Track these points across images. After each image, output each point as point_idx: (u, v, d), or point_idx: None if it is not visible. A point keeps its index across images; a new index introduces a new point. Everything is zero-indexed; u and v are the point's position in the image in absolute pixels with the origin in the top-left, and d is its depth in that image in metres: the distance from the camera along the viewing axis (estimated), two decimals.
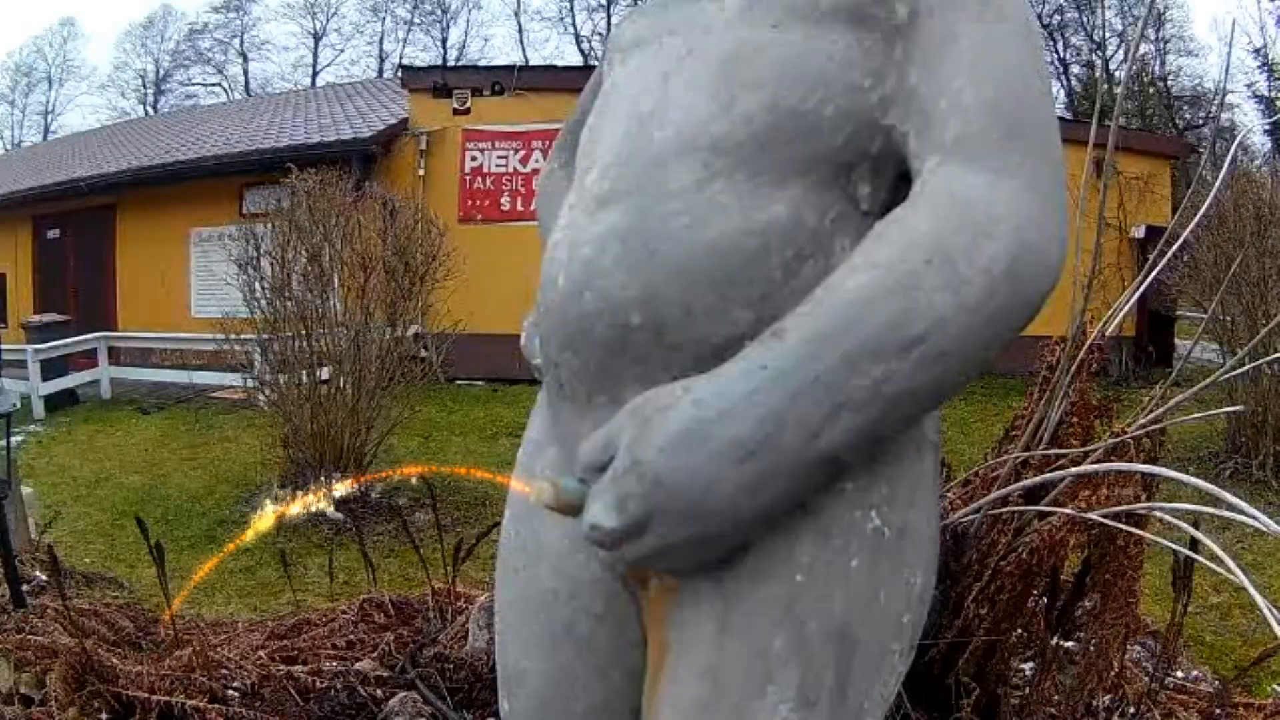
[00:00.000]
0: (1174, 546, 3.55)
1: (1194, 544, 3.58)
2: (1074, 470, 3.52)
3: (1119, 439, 3.57)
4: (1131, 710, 4.07)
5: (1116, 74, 54.53)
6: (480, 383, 19.68)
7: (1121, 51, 54.11)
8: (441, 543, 5.55)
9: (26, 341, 18.93)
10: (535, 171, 21.25)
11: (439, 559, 5.53)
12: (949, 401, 1.81)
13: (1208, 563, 3.26)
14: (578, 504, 1.67)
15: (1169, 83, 56.61)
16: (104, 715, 4.12)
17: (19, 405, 5.39)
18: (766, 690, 1.68)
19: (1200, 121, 54.68)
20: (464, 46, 69.04)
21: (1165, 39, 56.38)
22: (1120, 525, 3.38)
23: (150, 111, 66.23)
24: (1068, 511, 3.41)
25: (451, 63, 58.35)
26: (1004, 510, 3.67)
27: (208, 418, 17.22)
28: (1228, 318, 12.32)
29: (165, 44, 72.03)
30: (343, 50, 73.75)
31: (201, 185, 23.88)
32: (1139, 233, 20.54)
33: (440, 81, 22.39)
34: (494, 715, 4.11)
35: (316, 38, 71.19)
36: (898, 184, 1.76)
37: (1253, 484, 11.43)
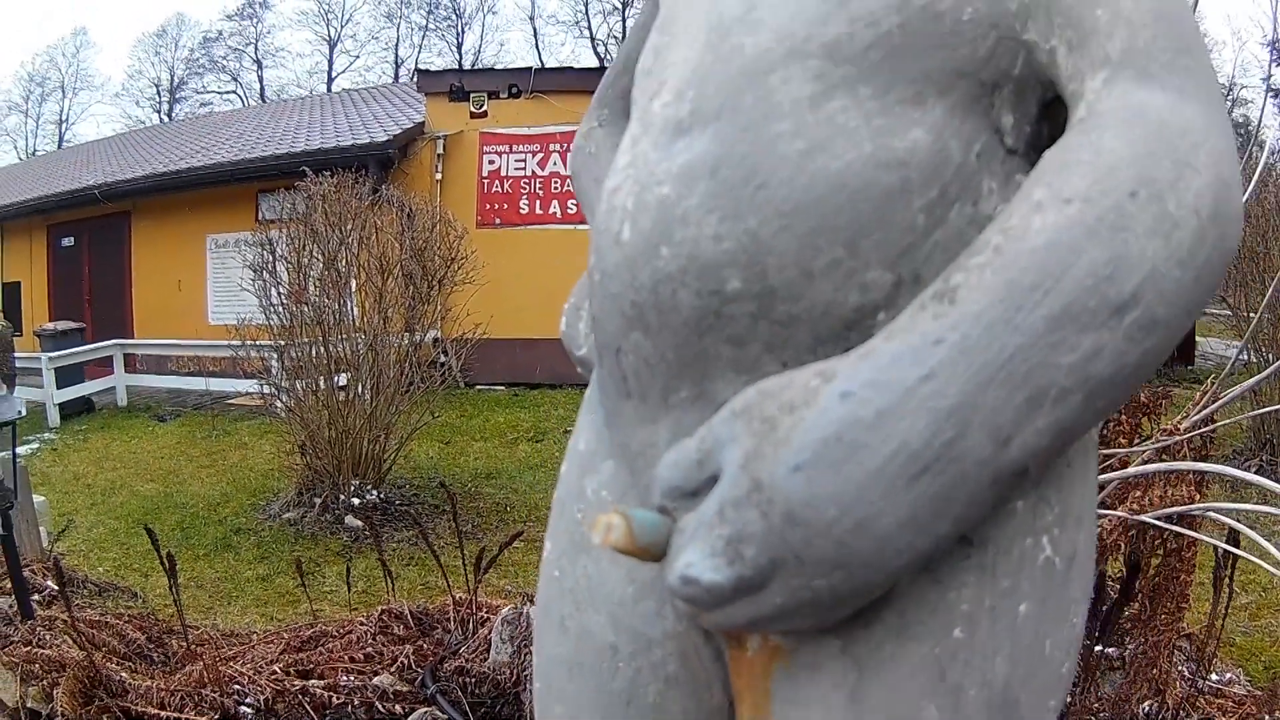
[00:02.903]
0: (1220, 544, 3.44)
1: (1234, 542, 3.47)
2: (1126, 472, 3.40)
3: (1172, 439, 3.45)
4: (1171, 715, 3.98)
5: None
6: (500, 388, 19.65)
7: None
8: (462, 551, 5.43)
9: (41, 349, 19.01)
10: (554, 175, 21.33)
11: (459, 567, 5.40)
12: None
13: (1256, 560, 3.15)
14: (659, 545, 1.19)
15: None
16: None
17: (24, 413, 5.29)
18: None
19: None
20: (479, 51, 69.68)
21: None
22: (1175, 528, 3.26)
23: (165, 119, 66.71)
24: (1120, 514, 3.29)
25: (467, 67, 58.67)
26: None
27: (225, 425, 17.25)
28: (1252, 314, 12.10)
29: (179, 52, 72.82)
30: (358, 56, 74.69)
31: (217, 191, 24.01)
32: None
33: (457, 85, 22.40)
34: None
35: (331, 44, 71.85)
36: (1040, 119, 1.34)
37: (1278, 480, 11.15)
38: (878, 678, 1.22)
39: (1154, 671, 3.59)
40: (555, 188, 21.37)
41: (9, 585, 5.43)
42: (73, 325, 20.90)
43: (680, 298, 1.29)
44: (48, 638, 4.64)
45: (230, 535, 10.44)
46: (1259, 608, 7.05)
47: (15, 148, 71.61)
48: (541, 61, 64.16)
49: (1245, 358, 12.18)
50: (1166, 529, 3.32)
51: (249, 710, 4.17)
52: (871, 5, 1.27)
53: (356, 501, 10.77)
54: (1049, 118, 1.33)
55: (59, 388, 18.36)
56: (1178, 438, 3.50)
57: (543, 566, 1.73)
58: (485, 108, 22.05)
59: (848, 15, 1.27)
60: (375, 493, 11.07)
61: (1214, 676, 4.65)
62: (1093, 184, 1.09)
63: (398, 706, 4.22)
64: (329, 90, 60.91)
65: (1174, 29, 1.21)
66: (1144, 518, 3.22)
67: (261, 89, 71.76)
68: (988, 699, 1.23)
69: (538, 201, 21.57)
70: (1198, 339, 21.04)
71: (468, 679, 4.38)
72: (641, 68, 1.58)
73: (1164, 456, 3.44)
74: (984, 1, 1.26)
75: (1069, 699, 3.79)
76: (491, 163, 21.99)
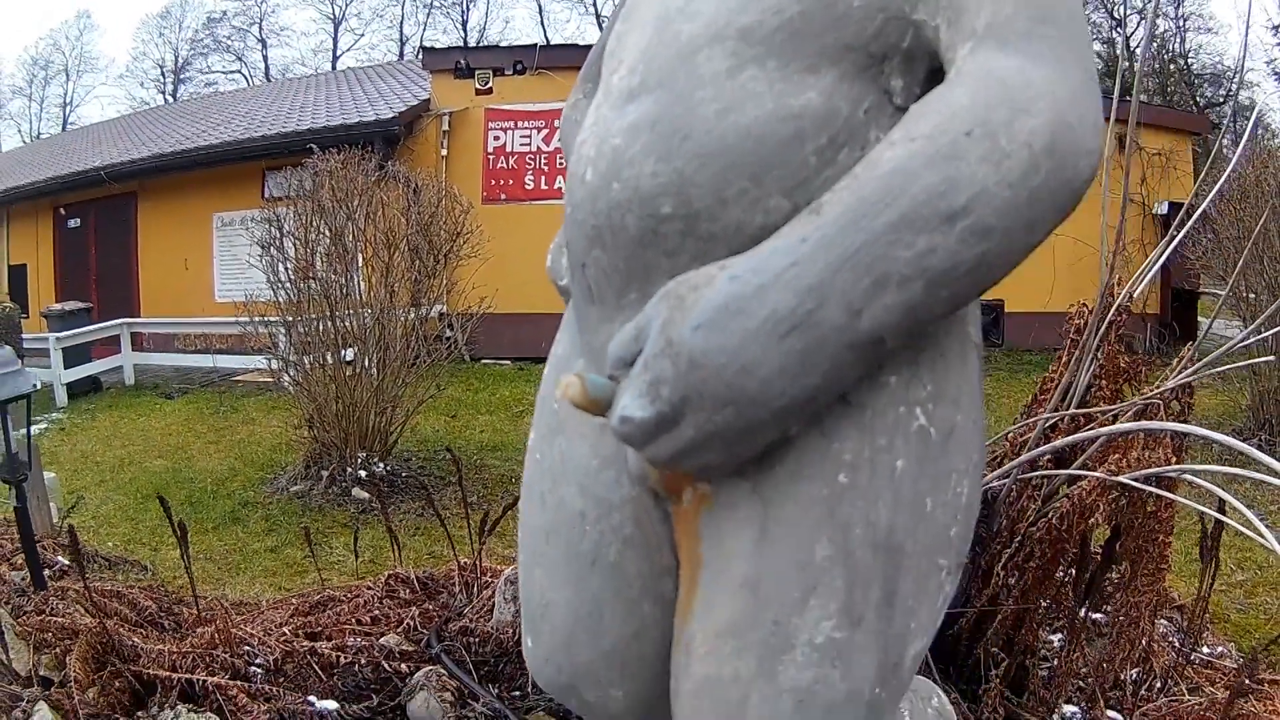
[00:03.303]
0: (1205, 510, 3.52)
1: (1222, 512, 3.55)
2: (1104, 430, 3.52)
3: (1148, 399, 3.57)
4: (1159, 684, 4.06)
5: (1137, 51, 54.83)
6: (506, 362, 19.73)
7: (1142, 28, 54.20)
8: (468, 520, 5.52)
9: (48, 330, 19.05)
10: (559, 151, 21.37)
11: (465, 536, 5.50)
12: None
13: (1239, 527, 3.22)
14: (606, 400, 1.62)
15: (1189, 60, 56.82)
16: (125, 695, 4.08)
17: (39, 386, 5.44)
18: (809, 604, 1.64)
19: (1221, 99, 54.85)
20: (484, 28, 69.39)
21: (1184, 16, 56.58)
22: (1151, 489, 3.37)
23: (169, 100, 66.56)
24: (1098, 475, 3.45)
25: (472, 44, 58.65)
26: (1033, 475, 3.70)
27: (232, 401, 17.32)
28: (1251, 294, 12.17)
29: (183, 33, 72.52)
30: (362, 35, 74.35)
31: (223, 170, 24.13)
32: (1161, 209, 20.52)
33: (462, 62, 22.51)
34: (519, 689, 4.13)
35: (336, 23, 71.64)
36: (929, 81, 1.69)
37: (1276, 460, 11.13)
38: (780, 513, 1.65)
39: (1135, 632, 3.68)
40: (560, 163, 21.38)
41: (19, 561, 5.51)
42: (80, 305, 20.95)
43: (627, 220, 1.74)
44: (60, 607, 4.69)
45: (238, 509, 10.52)
46: (1255, 585, 7.07)
47: (19, 131, 71.61)
48: (546, 38, 64.12)
49: (1244, 336, 12.24)
50: (1144, 490, 3.42)
51: (259, 670, 4.24)
52: (777, 1, 1.68)
53: (363, 474, 10.86)
54: (939, 82, 1.64)
55: (66, 367, 18.37)
56: (1152, 396, 3.59)
57: (527, 454, 2.21)
58: (490, 84, 22.23)
59: (760, 6, 1.69)
60: (382, 465, 11.17)
61: (1205, 649, 4.71)
62: (935, 126, 1.49)
63: (403, 665, 4.29)
64: (334, 69, 60.74)
65: (1036, 5, 1.58)
66: (1121, 479, 3.32)
67: (266, 68, 71.65)
68: (873, 539, 1.64)
69: (543, 177, 21.67)
70: (1200, 318, 21.06)
71: (471, 639, 4.47)
72: (608, 50, 2.05)
73: (1143, 420, 3.55)
74: None
75: (1054, 661, 3.88)
76: (497, 139, 22.21)
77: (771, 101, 1.65)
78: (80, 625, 4.36)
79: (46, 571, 5.41)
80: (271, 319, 11.52)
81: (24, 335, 18.36)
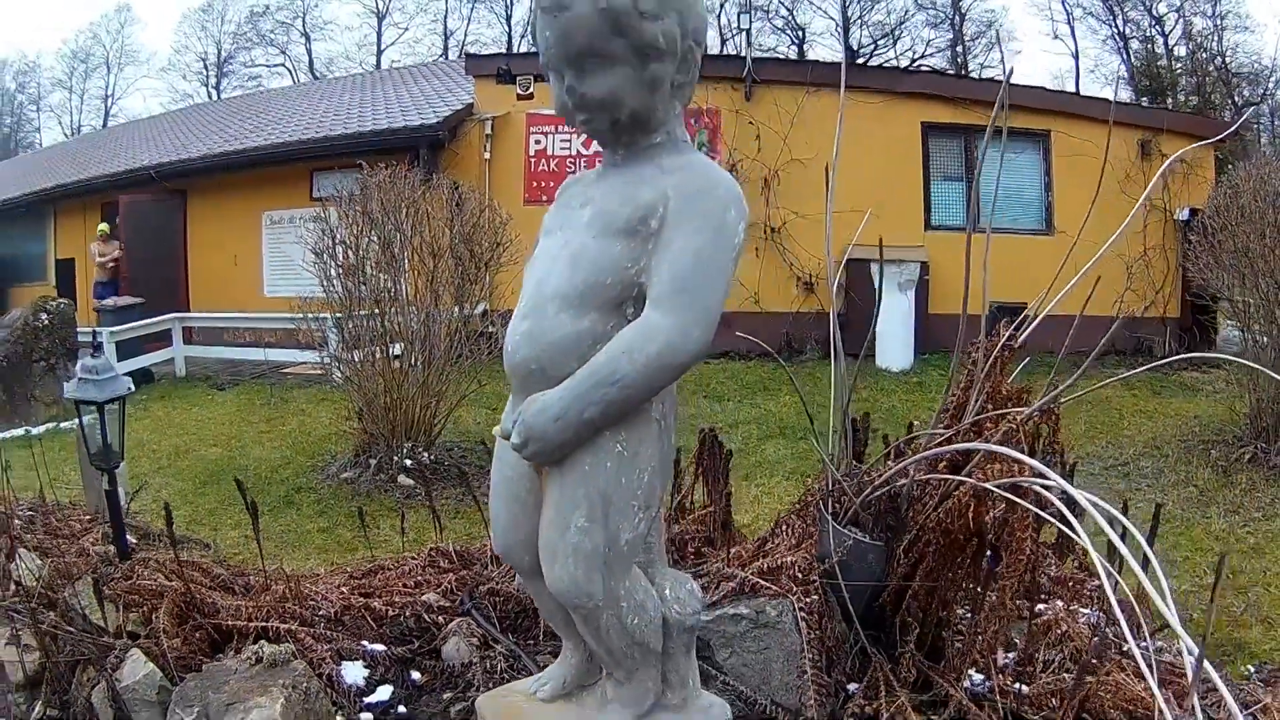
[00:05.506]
0: (1045, 515, 4.21)
1: (1156, 519, 4.17)
2: (960, 446, 4.47)
3: (1012, 425, 4.45)
4: (1073, 666, 4.72)
5: (1175, 49, 54.43)
6: None
7: (1179, 27, 53.89)
8: None
9: (99, 324, 19.59)
10: (597, 155, 21.48)
11: None
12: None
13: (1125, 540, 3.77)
14: (509, 435, 3.29)
15: (1226, 59, 56.07)
16: (205, 644, 4.76)
17: (133, 389, 6.08)
18: (574, 513, 3.23)
19: (1258, 99, 54.19)
20: (529, 24, 68.38)
21: (1222, 15, 55.89)
22: (1004, 493, 4.21)
23: (212, 93, 66.65)
24: (971, 481, 4.29)
25: (515, 40, 59.10)
26: (930, 477, 4.56)
27: (282, 393, 17.90)
28: (1248, 299, 12.52)
29: (226, 26, 72.34)
30: (406, 29, 73.98)
31: (271, 171, 24.60)
32: (1183, 215, 20.55)
33: (503, 68, 22.93)
34: (533, 638, 5.12)
35: (379, 17, 71.33)
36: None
37: (1269, 469, 11.62)
38: (565, 478, 3.27)
39: (1003, 611, 4.41)
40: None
41: (90, 539, 6.16)
42: (132, 300, 21.46)
43: (519, 370, 3.35)
44: (144, 574, 5.30)
45: (292, 493, 11.26)
46: (1222, 590, 7.32)
47: (59, 123, 71.91)
48: None
49: (1244, 345, 12.62)
50: (1001, 495, 4.25)
51: (321, 619, 4.98)
52: (577, 279, 3.23)
53: (409, 463, 11.55)
54: None
55: (118, 360, 18.33)
56: (1017, 422, 4.25)
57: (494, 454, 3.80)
58: (531, 90, 22.58)
59: (569, 284, 3.25)
60: (426, 455, 11.85)
61: (1145, 643, 5.23)
62: (613, 347, 3.09)
63: (440, 618, 5.16)
64: (378, 64, 60.85)
65: (680, 286, 3.07)
66: (988, 485, 4.22)
67: (310, 62, 71.33)
68: (599, 491, 3.23)
69: None
70: (1221, 321, 21.25)
71: (497, 599, 5.35)
72: (523, 284, 3.57)
73: (1015, 439, 4.32)
74: (618, 275, 3.18)
75: (962, 636, 4.62)
76: (538, 142, 22.69)
77: (571, 326, 3.22)
78: (165, 587, 4.98)
79: None
80: (323, 315, 12.22)
81: (77, 329, 18.74)
